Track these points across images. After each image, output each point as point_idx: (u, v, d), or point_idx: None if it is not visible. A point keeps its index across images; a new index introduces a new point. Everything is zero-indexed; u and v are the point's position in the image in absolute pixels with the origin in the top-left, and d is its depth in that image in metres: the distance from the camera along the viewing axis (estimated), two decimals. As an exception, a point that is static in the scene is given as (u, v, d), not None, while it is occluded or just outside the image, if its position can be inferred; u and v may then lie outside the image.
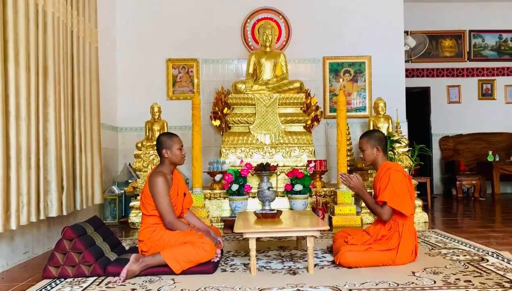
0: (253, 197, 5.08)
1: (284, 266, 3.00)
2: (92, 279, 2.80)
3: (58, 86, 3.89)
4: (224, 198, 5.12)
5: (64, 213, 3.90)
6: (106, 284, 2.69)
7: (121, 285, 2.65)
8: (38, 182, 3.54)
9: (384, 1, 6.84)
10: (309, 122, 6.22)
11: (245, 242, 3.78)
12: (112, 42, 6.51)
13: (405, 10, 6.92)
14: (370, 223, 4.53)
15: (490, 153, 7.95)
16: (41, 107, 3.61)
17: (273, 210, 3.40)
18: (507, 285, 2.44)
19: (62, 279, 2.81)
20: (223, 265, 3.07)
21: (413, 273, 2.73)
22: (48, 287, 2.65)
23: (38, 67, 3.58)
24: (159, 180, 2.99)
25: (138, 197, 4.90)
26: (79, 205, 4.30)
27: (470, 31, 8.71)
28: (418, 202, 5.01)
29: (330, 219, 4.88)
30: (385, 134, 5.39)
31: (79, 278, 2.81)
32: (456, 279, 2.59)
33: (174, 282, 2.66)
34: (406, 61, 7.36)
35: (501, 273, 2.69)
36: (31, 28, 3.48)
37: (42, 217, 3.56)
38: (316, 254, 3.32)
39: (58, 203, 3.75)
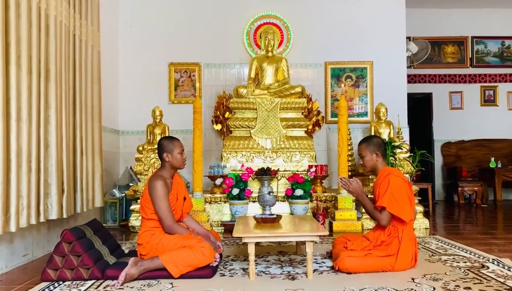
0: (254, 202, 5.07)
1: (283, 271, 2.99)
2: (90, 282, 2.79)
3: (59, 89, 3.90)
4: (225, 202, 5.12)
5: (65, 215, 3.90)
6: (104, 287, 2.68)
7: (119, 288, 2.64)
8: (39, 184, 3.54)
9: (387, 6, 6.85)
10: (310, 127, 6.22)
11: (244, 247, 3.75)
12: (115, 45, 6.54)
13: (407, 16, 6.93)
14: (370, 229, 4.51)
15: (493, 159, 7.92)
16: (42, 110, 3.62)
17: (273, 214, 3.39)
18: (507, 292, 2.43)
19: (61, 282, 2.80)
20: (222, 270, 3.06)
21: (413, 279, 2.72)
22: (47, 290, 2.65)
23: (39, 70, 3.60)
24: (158, 184, 2.99)
25: (139, 201, 4.90)
26: (79, 208, 4.30)
27: (473, 37, 8.71)
28: (419, 208, 5.00)
29: (330, 224, 4.86)
30: (387, 140, 5.40)
31: (78, 281, 2.80)
32: (455, 286, 2.57)
33: (172, 286, 2.66)
34: (408, 67, 7.36)
35: (501, 280, 2.68)
36: (33, 31, 3.50)
37: (42, 219, 3.56)
38: (315, 259, 3.31)
39: (58, 205, 3.75)
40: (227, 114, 6.21)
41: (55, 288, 2.70)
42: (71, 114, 4.25)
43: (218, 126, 6.35)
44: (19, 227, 3.22)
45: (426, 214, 5.57)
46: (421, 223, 4.95)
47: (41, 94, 3.61)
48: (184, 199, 3.27)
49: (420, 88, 8.63)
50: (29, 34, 3.43)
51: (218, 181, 5.18)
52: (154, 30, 6.72)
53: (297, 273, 2.92)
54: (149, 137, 5.69)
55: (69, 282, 2.80)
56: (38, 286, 2.74)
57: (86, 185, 4.47)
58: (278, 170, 5.25)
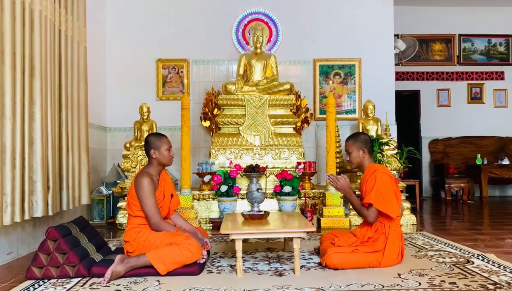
0: (242, 198, 5.07)
1: (270, 267, 2.99)
2: (76, 280, 2.77)
3: (44, 85, 3.85)
4: (213, 199, 5.11)
5: (50, 213, 3.86)
6: (90, 285, 2.66)
7: (105, 286, 2.62)
8: (23, 181, 3.49)
9: (375, 4, 6.87)
10: (299, 124, 6.23)
11: (232, 244, 3.75)
12: (102, 41, 6.47)
13: (395, 13, 6.96)
14: (358, 225, 4.53)
15: (479, 156, 8.01)
16: (27, 107, 3.57)
17: (261, 211, 3.39)
18: (491, 287, 2.46)
19: (46, 280, 2.77)
20: (209, 267, 3.05)
21: (399, 275, 2.74)
22: (31, 288, 2.62)
23: (24, 66, 3.54)
24: (145, 180, 2.97)
25: (126, 198, 4.86)
26: (65, 205, 4.26)
27: (460, 35, 8.78)
28: (407, 204, 5.03)
29: (318, 220, 4.88)
30: (374, 136, 5.43)
31: (63, 279, 2.78)
32: (441, 281, 2.59)
33: (159, 283, 2.64)
34: (396, 64, 7.41)
35: (486, 275, 2.71)
36: (17, 27, 3.45)
37: (26, 217, 3.51)
38: (303, 255, 3.32)
39: (43, 203, 3.70)
40: (215, 111, 6.19)
41: (40, 286, 2.67)
42: (57, 110, 4.20)
43: (207, 123, 6.32)
44: (3, 224, 3.17)
45: (413, 210, 5.62)
46: (408, 219, 4.99)
47: (26, 90, 3.56)
48: (171, 196, 3.25)
49: (408, 85, 8.68)
50: (13, 29, 3.38)
51: (207, 178, 5.16)
52: (142, 26, 6.66)
53: (285, 270, 2.92)
54: (136, 134, 5.64)
55: (55, 280, 2.77)
56: (23, 284, 2.71)
57: (72, 182, 4.43)
58: (266, 166, 5.25)
